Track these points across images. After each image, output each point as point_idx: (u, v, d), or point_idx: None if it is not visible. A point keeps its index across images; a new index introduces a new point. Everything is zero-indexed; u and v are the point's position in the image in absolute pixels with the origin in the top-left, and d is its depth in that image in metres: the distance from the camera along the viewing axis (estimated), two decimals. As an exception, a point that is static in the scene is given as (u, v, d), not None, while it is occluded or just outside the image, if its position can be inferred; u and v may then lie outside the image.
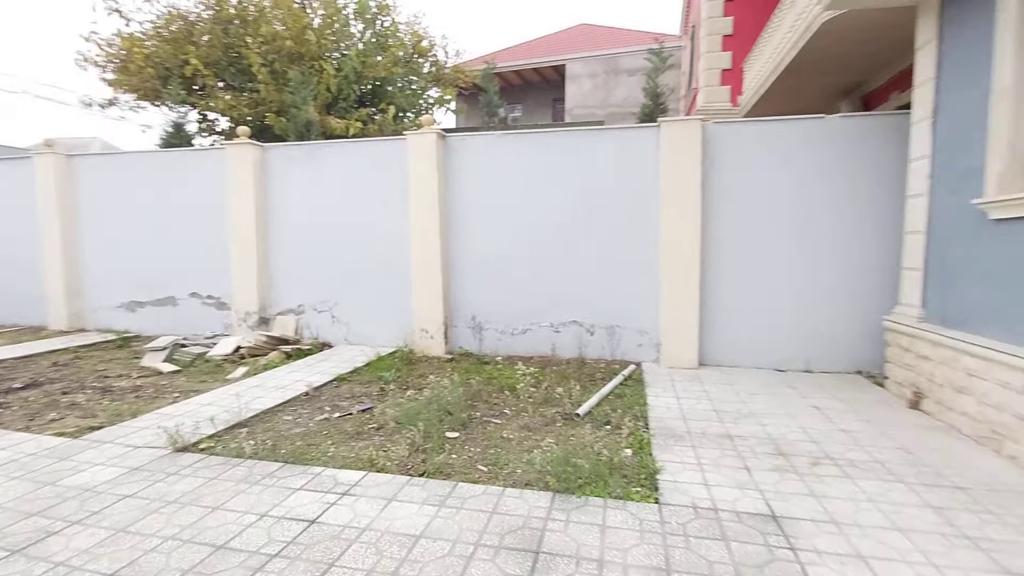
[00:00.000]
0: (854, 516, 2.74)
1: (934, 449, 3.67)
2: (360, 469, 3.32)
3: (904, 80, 7.02)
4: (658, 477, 3.19)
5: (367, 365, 6.10)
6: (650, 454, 3.51)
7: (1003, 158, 3.69)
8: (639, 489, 3.03)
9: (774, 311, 5.94)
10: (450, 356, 6.67)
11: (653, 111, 8.86)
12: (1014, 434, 3.47)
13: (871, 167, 5.60)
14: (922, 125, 4.73)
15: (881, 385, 5.30)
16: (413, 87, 14.22)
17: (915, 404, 4.59)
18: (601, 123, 16.96)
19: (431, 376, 5.56)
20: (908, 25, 5.08)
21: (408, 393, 4.97)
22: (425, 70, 14.64)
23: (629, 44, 20.54)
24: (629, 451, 3.54)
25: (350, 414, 4.43)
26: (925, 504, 2.87)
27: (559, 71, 21.55)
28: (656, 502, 2.89)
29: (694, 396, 4.95)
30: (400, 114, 13.52)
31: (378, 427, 4.12)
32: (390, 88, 13.17)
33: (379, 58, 12.81)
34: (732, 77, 10.97)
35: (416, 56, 14.25)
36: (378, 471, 3.29)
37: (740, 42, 10.69)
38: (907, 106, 5.25)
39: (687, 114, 13.97)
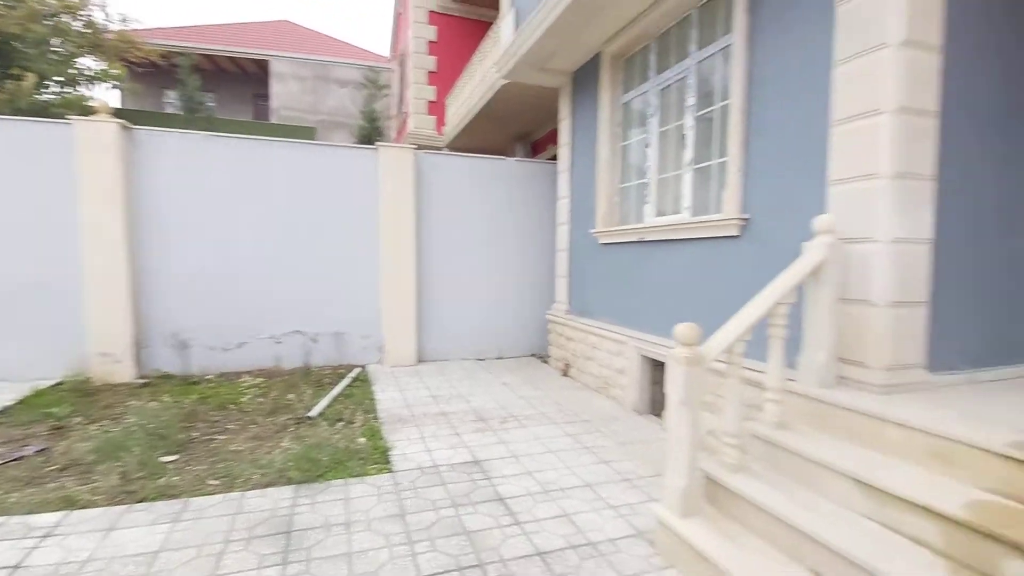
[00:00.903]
0: (526, 449, 3.92)
1: (575, 400, 5.36)
2: (58, 510, 2.87)
3: (556, 136, 9.51)
4: (390, 453, 3.79)
5: (21, 403, 4.84)
6: (381, 438, 4.09)
7: (603, 204, 5.67)
8: (374, 466, 3.57)
9: (475, 313, 7.31)
10: (144, 380, 5.82)
11: (371, 133, 9.48)
12: (614, 382, 5.39)
13: (539, 200, 7.51)
14: (564, 175, 6.68)
15: (546, 362, 7.18)
16: (59, 51, 11.27)
17: (565, 372, 6.46)
18: (313, 130, 16.70)
19: (127, 403, 4.84)
20: (557, 98, 7.08)
21: (101, 424, 4.27)
22: (77, 32, 11.74)
23: (339, 54, 20.68)
24: (363, 439, 4.03)
25: (18, 458, 3.59)
26: (566, 434, 4.29)
27: (261, 65, 20.08)
28: (390, 472, 3.48)
29: (414, 387, 5.75)
30: (44, 84, 10.55)
31: (62, 467, 3.51)
32: (29, 50, 10.17)
33: (13, 9, 9.78)
34: (437, 109, 12.46)
35: (63, 13, 11.33)
36: (83, 508, 2.91)
37: (443, 79, 12.27)
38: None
39: (398, 135, 15.08)
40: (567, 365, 6.47)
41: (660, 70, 4.91)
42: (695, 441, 2.55)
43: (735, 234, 3.80)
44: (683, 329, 2.55)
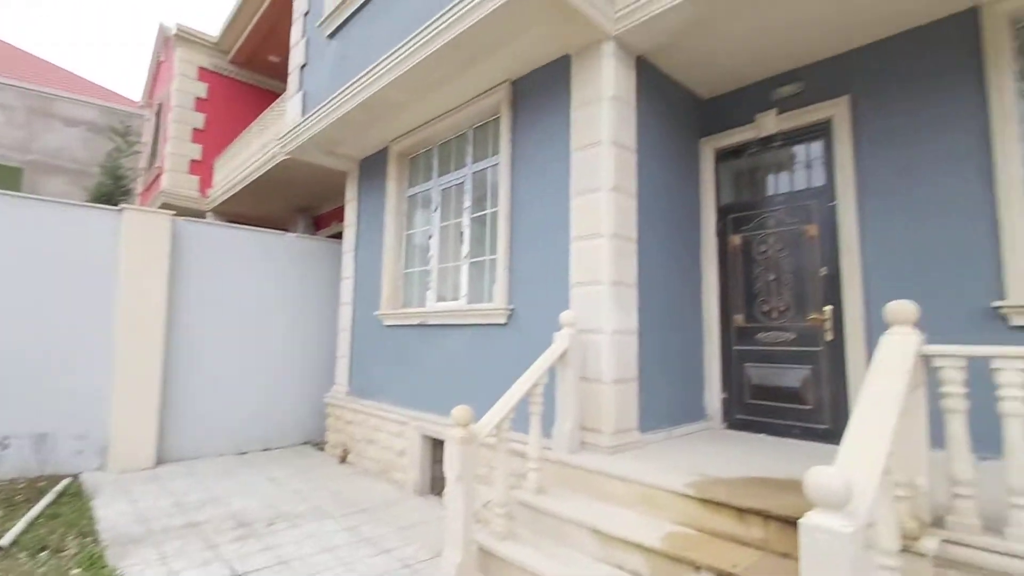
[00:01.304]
0: (297, 552, 3.60)
1: (354, 488, 5.13)
2: None
3: (343, 213, 9.52)
4: (116, 586, 3.06)
5: None
6: (105, 566, 3.26)
7: (388, 287, 5.88)
8: (92, 606, 2.83)
9: (236, 400, 6.50)
10: None
11: (112, 192, 8.07)
12: (395, 465, 5.36)
13: (321, 278, 7.30)
14: (349, 255, 6.72)
15: (322, 449, 6.71)
16: None
17: (344, 459, 6.14)
18: (18, 171, 13.25)
19: None
20: (344, 177, 7.19)
21: None
22: None
23: (69, 87, 17.23)
24: (79, 570, 3.16)
25: None
26: (344, 527, 4.08)
27: (-59, 81, 15.39)
28: (115, 610, 2.80)
29: (153, 495, 4.76)
30: None
31: None
32: None
33: None
34: (202, 168, 11.24)
35: None
36: None
37: (212, 139, 11.24)
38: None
39: (147, 190, 12.99)
40: (346, 451, 6.18)
41: (442, 172, 5.54)
42: (470, 515, 2.79)
43: (503, 322, 4.40)
44: (458, 411, 2.85)
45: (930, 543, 2.00)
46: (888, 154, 3.79)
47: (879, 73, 3.87)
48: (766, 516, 2.38)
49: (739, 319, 4.53)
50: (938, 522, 2.12)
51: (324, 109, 5.46)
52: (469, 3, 3.66)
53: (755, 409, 4.36)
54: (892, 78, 3.81)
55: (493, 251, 4.75)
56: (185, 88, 10.79)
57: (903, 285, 3.59)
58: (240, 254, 6.67)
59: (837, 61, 4.08)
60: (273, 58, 11.07)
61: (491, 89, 4.67)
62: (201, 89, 11.02)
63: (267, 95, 11.77)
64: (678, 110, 4.57)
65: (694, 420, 4.41)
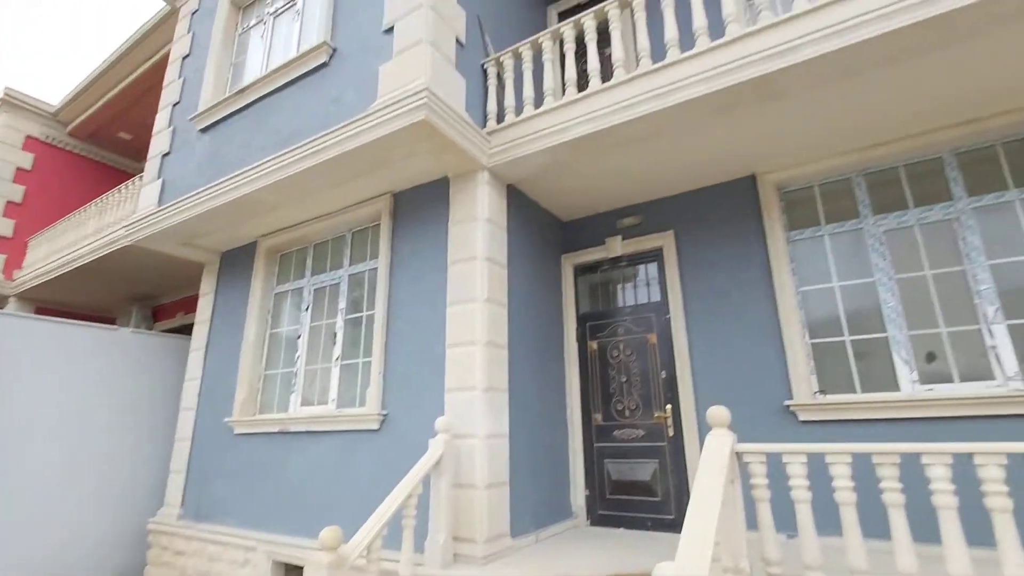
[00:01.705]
0: None
1: (179, 638, 4.28)
2: None
3: (190, 304, 8.66)
4: None
5: None
6: None
7: (244, 390, 5.40)
8: None
9: (25, 523, 5.20)
10: None
11: None
12: (236, 602, 4.62)
13: (157, 379, 6.43)
14: (198, 353, 6.09)
15: (138, 591, 5.53)
16: None
17: (167, 601, 5.12)
18: None
19: None
20: (199, 268, 6.66)
21: None
22: None
23: None
24: None
25: None
26: None
27: None
28: None
29: None
30: None
31: None
32: None
33: None
34: (12, 247, 9.60)
35: None
36: None
37: (31, 214, 9.76)
38: (191, 326, 6.59)
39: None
40: (171, 589, 5.18)
41: (316, 271, 5.49)
42: (334, 653, 2.55)
43: (375, 428, 4.29)
44: (327, 533, 2.70)
45: (755, 622, 2.32)
46: (704, 279, 4.70)
47: (694, 215, 4.88)
48: (627, 614, 2.56)
49: (598, 418, 4.97)
50: (760, 601, 2.48)
51: (189, 201, 5.20)
52: (355, 129, 3.96)
53: (615, 504, 4.68)
54: (703, 220, 4.83)
55: (367, 354, 4.72)
56: (5, 157, 9.44)
57: (722, 387, 4.32)
58: (61, 350, 5.68)
59: (664, 202, 5.07)
60: (124, 135, 10.33)
61: (373, 198, 4.91)
62: (25, 159, 9.71)
63: (111, 171, 10.78)
64: (543, 230, 5.21)
65: (561, 519, 4.57)
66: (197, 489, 5.53)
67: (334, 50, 4.61)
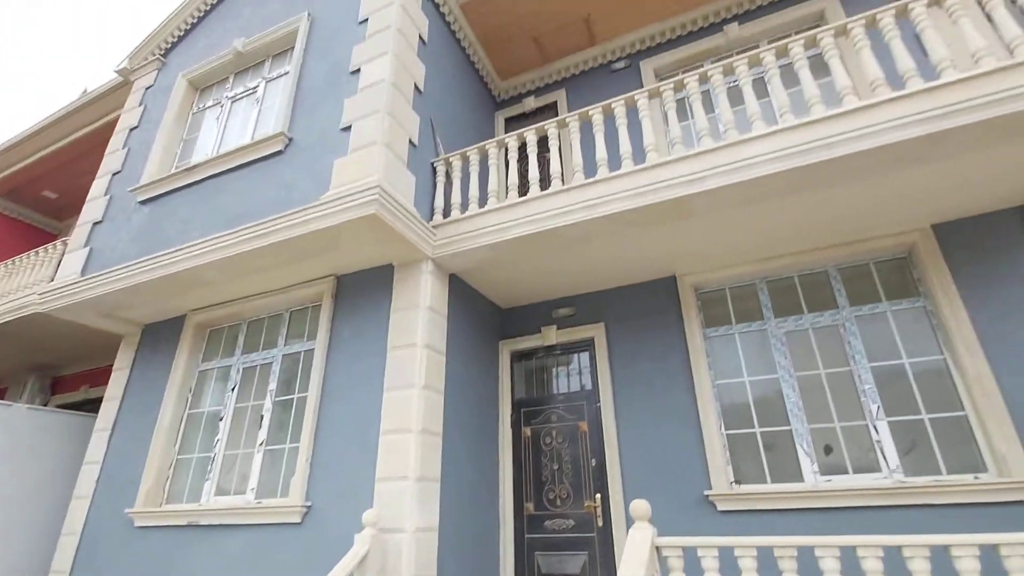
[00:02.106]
0: None
1: None
2: None
3: (97, 377, 8.00)
4: None
5: None
6: None
7: (152, 477, 4.97)
8: None
9: None
10: None
11: None
12: None
13: (51, 462, 5.79)
14: (102, 434, 5.58)
15: None
16: None
17: None
18: None
19: None
20: (111, 337, 6.25)
21: None
22: None
23: None
24: None
25: None
26: None
27: None
28: None
29: None
30: None
31: None
32: None
33: None
34: None
35: None
36: None
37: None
38: (95, 401, 6.05)
39: None
40: None
41: (248, 350, 5.33)
42: None
43: (297, 521, 4.07)
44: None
45: None
46: (632, 368, 5.01)
47: (624, 308, 5.28)
48: None
49: (530, 507, 4.96)
50: None
51: (120, 272, 5.03)
52: (307, 216, 4.12)
53: (545, 601, 4.58)
54: (631, 314, 5.23)
55: (295, 439, 4.55)
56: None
57: (648, 475, 4.50)
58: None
59: (597, 295, 5.46)
60: (49, 194, 9.88)
61: (316, 279, 4.97)
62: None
63: (28, 229, 10.16)
64: (482, 317, 5.41)
65: (490, 619, 4.41)
66: (77, 593, 4.87)
67: (290, 139, 4.84)
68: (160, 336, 5.80)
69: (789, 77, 4.61)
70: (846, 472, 4.08)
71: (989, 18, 3.70)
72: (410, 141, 4.67)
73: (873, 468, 4.01)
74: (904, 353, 4.22)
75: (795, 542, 2.51)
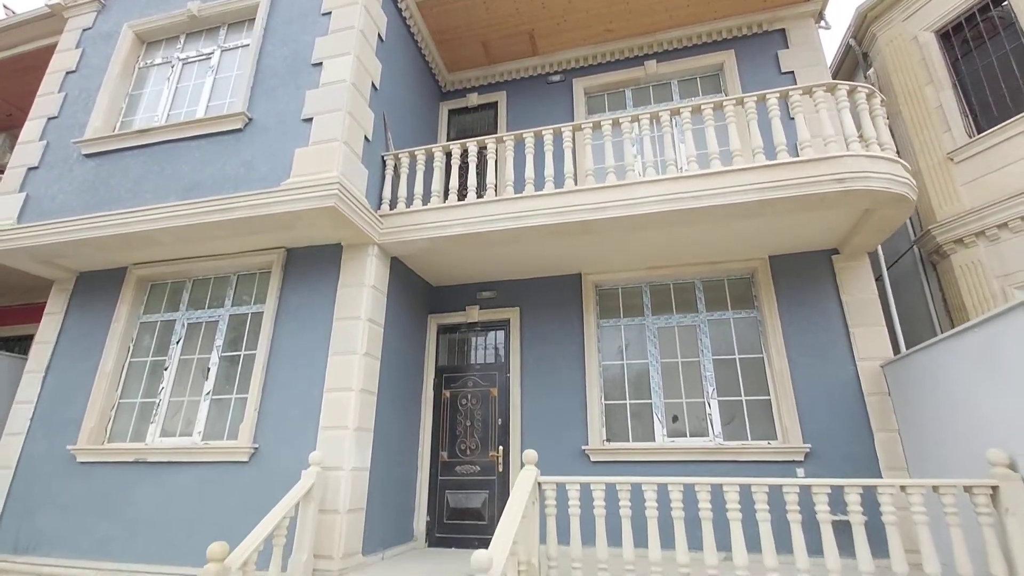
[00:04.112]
0: None
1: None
2: None
3: (13, 316, 7.86)
4: None
5: None
6: None
7: (95, 418, 5.36)
8: None
9: None
10: None
11: None
12: (62, 635, 4.58)
13: (-31, 400, 5.89)
14: (34, 376, 5.78)
15: (-84, 638, 4.97)
16: None
17: (-36, 644, 4.77)
18: None
19: None
20: (32, 278, 6.33)
21: None
22: None
23: None
24: None
25: None
26: None
27: None
28: None
29: None
30: None
31: None
32: None
33: None
34: None
35: None
36: None
37: None
38: (10, 339, 6.15)
39: None
40: (-32, 632, 4.83)
41: (193, 306, 5.76)
42: (211, 649, 3.13)
43: (245, 460, 4.77)
44: (215, 547, 3.29)
45: (536, 598, 3.49)
46: (538, 349, 6.09)
47: (535, 297, 6.30)
48: (452, 601, 3.56)
49: (444, 455, 5.98)
50: (542, 585, 3.67)
51: (64, 224, 5.21)
52: (268, 199, 4.64)
53: (450, 528, 5.68)
54: (542, 302, 6.26)
55: (242, 391, 5.17)
56: None
57: (542, 433, 5.65)
58: None
59: (516, 283, 6.43)
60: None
61: (266, 249, 5.48)
62: None
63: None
64: (416, 294, 6.21)
65: (404, 541, 5.42)
66: (16, 521, 5.24)
67: (250, 119, 5.23)
68: (97, 285, 6.01)
69: (680, 133, 5.71)
70: (685, 436, 5.46)
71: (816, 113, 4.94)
72: (365, 137, 5.25)
73: (704, 434, 5.42)
74: (737, 350, 5.62)
75: (628, 480, 3.69)
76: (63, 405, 5.57)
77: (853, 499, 3.30)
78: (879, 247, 5.73)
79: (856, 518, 3.28)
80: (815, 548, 3.55)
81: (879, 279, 5.73)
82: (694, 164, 4.78)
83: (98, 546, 4.87)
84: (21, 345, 7.70)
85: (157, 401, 5.41)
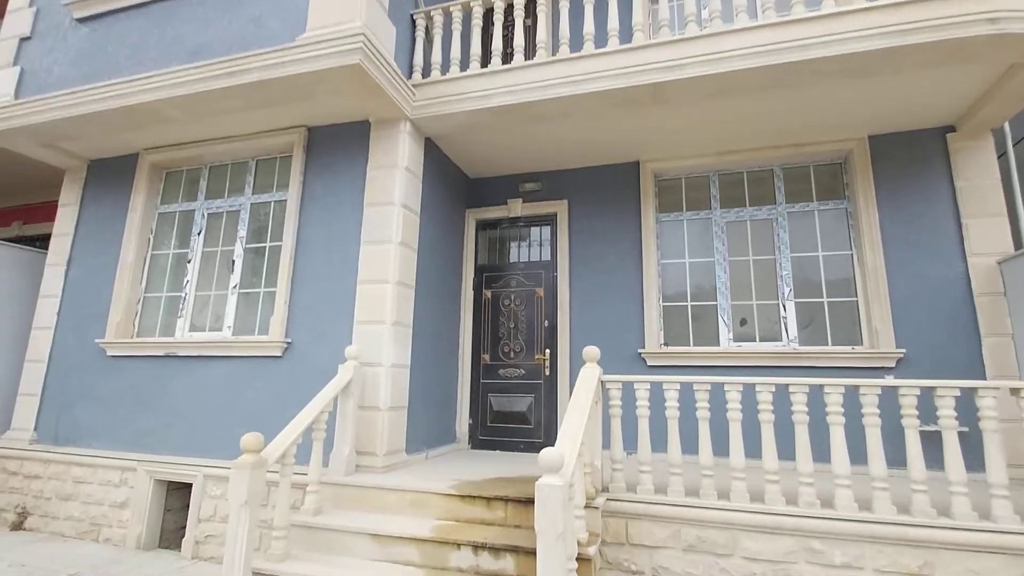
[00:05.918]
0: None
1: (44, 555, 4.18)
2: None
3: (33, 213, 7.59)
4: None
5: None
6: None
7: (120, 313, 5.10)
8: None
9: None
10: None
11: None
12: (109, 519, 4.58)
13: (6, 296, 5.69)
14: (56, 269, 5.52)
15: (-23, 518, 5.10)
16: None
17: (20, 524, 4.85)
18: None
19: None
20: (49, 170, 5.94)
21: None
22: None
23: None
24: None
25: None
26: (51, 595, 3.41)
27: None
28: None
29: None
30: None
31: None
32: None
33: None
34: None
35: None
36: None
37: None
38: (34, 238, 5.88)
39: None
40: (23, 513, 4.90)
41: (211, 195, 5.27)
42: (252, 541, 2.90)
43: (278, 355, 4.46)
44: (249, 438, 2.98)
45: (600, 500, 3.14)
46: (588, 245, 5.48)
47: (585, 189, 5.60)
48: (505, 500, 3.25)
49: (486, 357, 5.61)
50: (605, 488, 3.32)
51: (63, 98, 4.64)
52: (282, 58, 3.93)
53: (494, 431, 5.42)
54: (593, 194, 5.57)
55: (269, 284, 4.78)
56: None
57: (593, 337, 5.17)
58: None
59: (561, 174, 5.71)
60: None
61: (285, 129, 4.85)
62: None
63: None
64: (453, 184, 5.57)
65: (447, 443, 5.20)
66: (55, 413, 5.17)
67: (256, -35, 4.40)
68: (110, 173, 5.55)
69: (779, -32, 4.63)
70: (755, 340, 4.92)
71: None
72: (392, -14, 4.39)
73: (777, 338, 4.86)
74: (821, 247, 4.91)
75: (707, 379, 3.20)
76: (88, 299, 5.31)
77: (947, 403, 2.84)
78: (1006, 123, 4.75)
79: (948, 423, 2.82)
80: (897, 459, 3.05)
81: (1002, 158, 4.80)
82: (799, 6, 3.81)
83: (136, 437, 4.76)
84: (46, 245, 7.48)
85: (183, 295, 5.09)
